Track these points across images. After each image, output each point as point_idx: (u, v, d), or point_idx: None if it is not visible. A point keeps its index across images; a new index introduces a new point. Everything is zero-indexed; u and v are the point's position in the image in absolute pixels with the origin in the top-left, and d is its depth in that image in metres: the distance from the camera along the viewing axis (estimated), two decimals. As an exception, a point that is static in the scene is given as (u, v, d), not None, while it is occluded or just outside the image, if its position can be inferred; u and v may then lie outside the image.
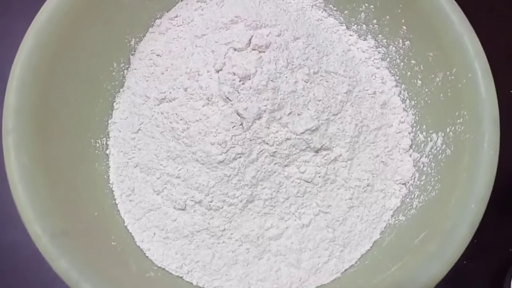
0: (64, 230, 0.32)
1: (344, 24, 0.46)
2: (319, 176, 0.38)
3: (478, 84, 0.35)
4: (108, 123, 0.42)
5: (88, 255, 0.33)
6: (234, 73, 0.37)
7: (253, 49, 0.38)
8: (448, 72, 0.37)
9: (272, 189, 0.37)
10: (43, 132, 0.35)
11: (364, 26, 0.45)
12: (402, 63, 0.43)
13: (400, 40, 0.42)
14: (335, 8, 0.45)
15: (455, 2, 0.37)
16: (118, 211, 0.40)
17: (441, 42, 0.38)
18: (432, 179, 0.37)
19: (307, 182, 0.38)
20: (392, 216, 0.39)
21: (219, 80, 0.37)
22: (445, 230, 0.32)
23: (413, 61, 0.41)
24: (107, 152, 0.41)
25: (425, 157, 0.39)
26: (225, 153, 0.36)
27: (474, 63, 0.35)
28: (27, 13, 0.37)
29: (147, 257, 0.38)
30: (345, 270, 0.38)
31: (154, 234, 0.39)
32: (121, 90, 0.43)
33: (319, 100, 0.38)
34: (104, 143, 0.41)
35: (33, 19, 0.36)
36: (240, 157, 0.36)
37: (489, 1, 0.53)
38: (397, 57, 0.43)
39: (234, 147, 0.36)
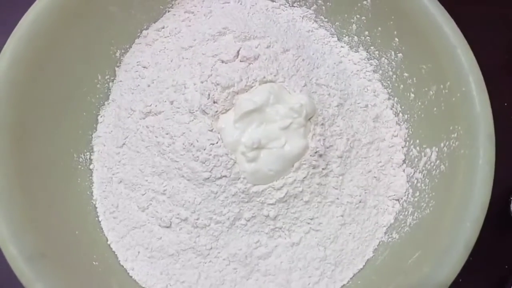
0: (42, 251, 0.31)
1: (335, 35, 0.45)
2: (310, 192, 0.37)
3: (473, 98, 0.34)
4: (92, 137, 0.41)
5: (67, 277, 0.31)
6: (217, 83, 0.35)
7: (241, 61, 0.37)
8: (441, 86, 0.36)
9: (260, 206, 0.36)
10: (21, 146, 0.34)
11: (355, 37, 0.44)
12: (394, 76, 0.42)
13: (393, 52, 0.41)
14: (326, 19, 0.44)
15: (448, 14, 0.36)
16: (101, 228, 0.38)
17: (434, 54, 0.37)
18: (426, 196, 0.36)
19: (297, 198, 0.37)
20: (385, 233, 0.38)
21: (199, 91, 0.36)
22: (439, 251, 0.31)
23: (406, 74, 0.40)
24: (91, 167, 0.40)
25: (419, 173, 0.38)
26: (209, 171, 0.35)
27: (468, 77, 0.34)
28: (8, 23, 0.36)
29: (131, 277, 0.37)
30: (336, 290, 0.37)
31: (139, 252, 0.37)
32: (106, 103, 0.42)
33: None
34: (88, 158, 0.40)
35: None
36: (225, 176, 0.35)
37: (481, 12, 0.52)
38: (390, 69, 0.42)
39: (217, 166, 0.35)
